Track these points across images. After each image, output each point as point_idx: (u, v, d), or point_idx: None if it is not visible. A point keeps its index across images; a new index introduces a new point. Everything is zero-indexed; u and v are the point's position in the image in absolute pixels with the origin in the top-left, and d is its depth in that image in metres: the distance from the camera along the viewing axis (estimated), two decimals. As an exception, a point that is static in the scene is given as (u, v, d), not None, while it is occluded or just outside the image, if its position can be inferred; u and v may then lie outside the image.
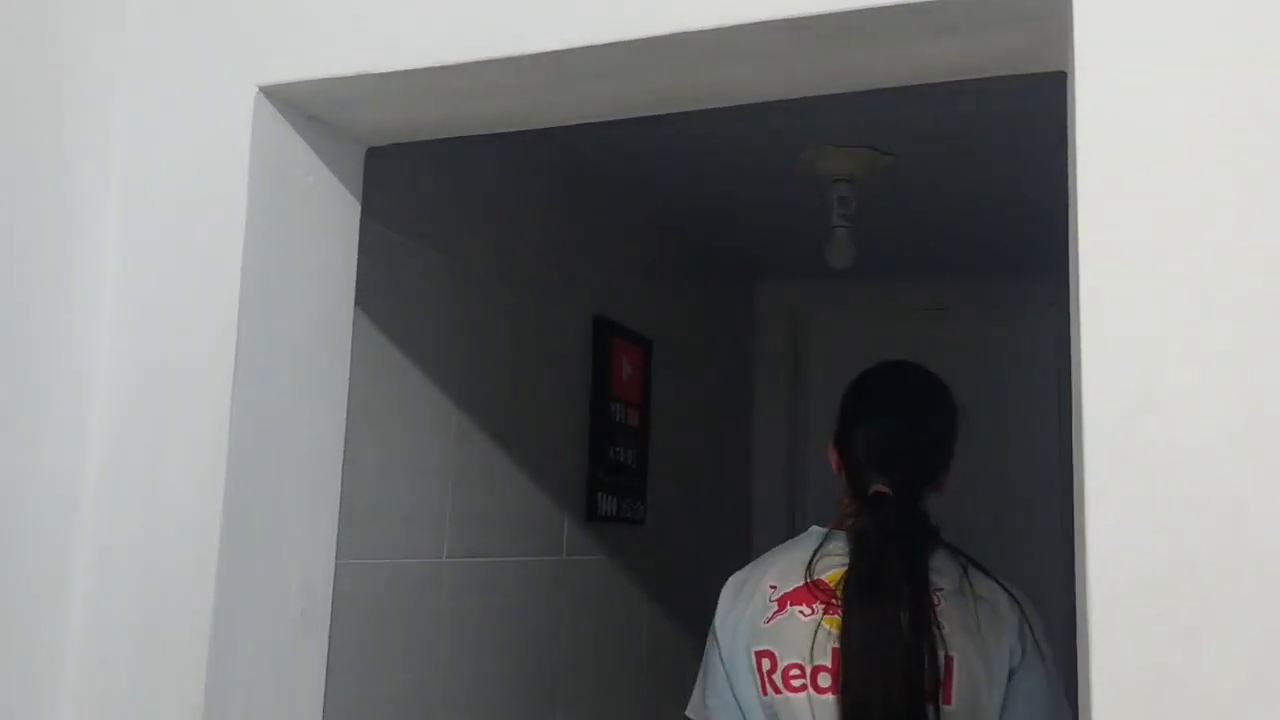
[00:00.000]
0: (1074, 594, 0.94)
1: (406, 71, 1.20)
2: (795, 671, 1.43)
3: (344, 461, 1.40)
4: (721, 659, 1.51)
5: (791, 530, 3.39)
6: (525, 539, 2.20)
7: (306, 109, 1.31)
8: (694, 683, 1.56)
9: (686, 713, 1.58)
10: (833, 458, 1.65)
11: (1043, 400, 3.14)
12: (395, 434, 1.80)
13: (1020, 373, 3.24)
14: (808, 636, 1.43)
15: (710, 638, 1.54)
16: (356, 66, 1.21)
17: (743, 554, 3.38)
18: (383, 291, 1.75)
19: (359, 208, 1.42)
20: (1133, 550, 0.88)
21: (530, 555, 2.22)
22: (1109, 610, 0.88)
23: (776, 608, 1.47)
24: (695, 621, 2.98)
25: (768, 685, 1.45)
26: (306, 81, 1.24)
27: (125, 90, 1.31)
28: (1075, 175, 0.97)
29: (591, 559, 2.46)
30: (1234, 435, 0.88)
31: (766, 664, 1.46)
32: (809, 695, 1.41)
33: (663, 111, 1.31)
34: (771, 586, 1.50)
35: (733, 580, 1.57)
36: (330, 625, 1.37)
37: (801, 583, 1.47)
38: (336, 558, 1.39)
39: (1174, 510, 0.88)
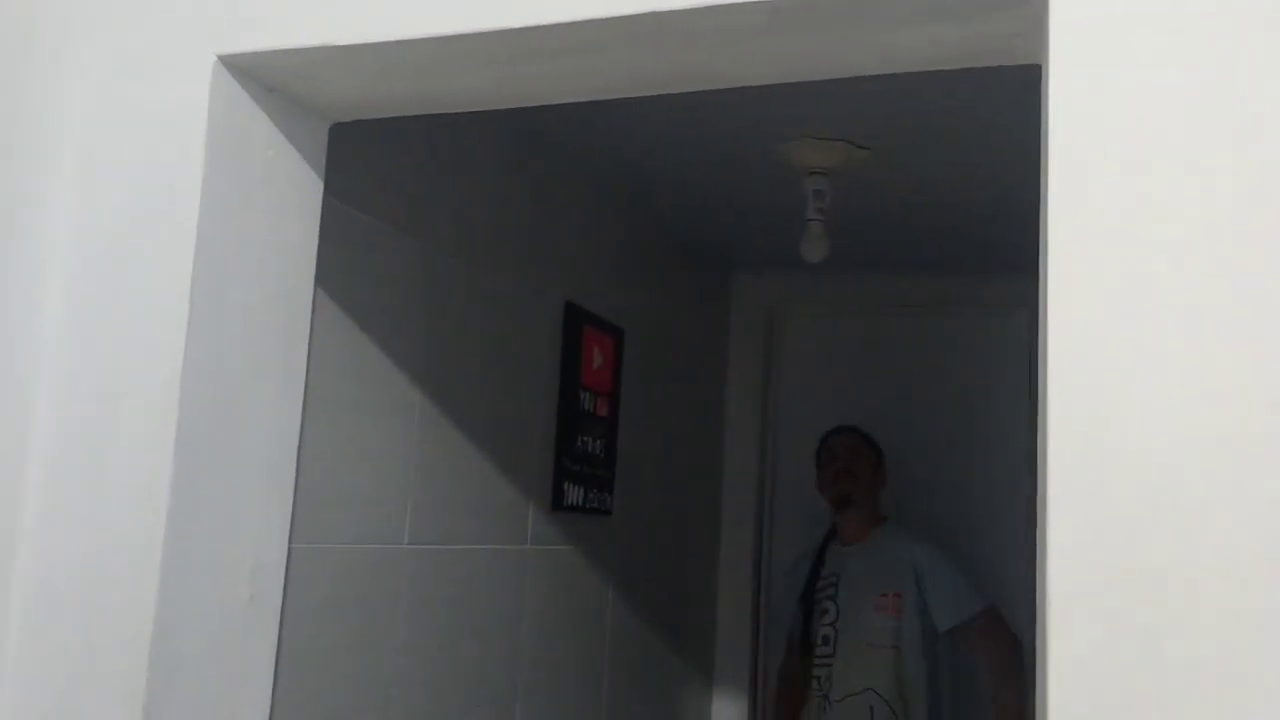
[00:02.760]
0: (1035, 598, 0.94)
1: (372, 44, 1.17)
2: None
3: (302, 444, 1.37)
4: None
5: (761, 523, 3.40)
6: (489, 527, 2.18)
7: (267, 80, 1.27)
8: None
9: None
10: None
11: (1013, 397, 3.15)
12: (357, 417, 1.77)
13: (991, 369, 3.25)
14: None
15: None
16: (320, 38, 1.18)
17: (711, 547, 3.38)
18: (346, 272, 1.72)
19: (321, 185, 1.39)
20: (1094, 550, 0.88)
21: (494, 544, 2.20)
22: (1067, 608, 0.87)
23: None
24: (659, 613, 2.98)
25: None
26: (267, 52, 1.21)
27: (78, 57, 1.27)
28: (1047, 172, 0.96)
29: (556, 549, 2.44)
30: (1199, 437, 0.87)
31: None
32: None
33: (636, 94, 1.29)
34: None
35: None
36: (284, 610, 1.35)
37: None
38: (292, 541, 1.36)
39: (1137, 511, 0.87)
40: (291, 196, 1.34)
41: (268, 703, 1.31)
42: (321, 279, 1.40)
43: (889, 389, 3.31)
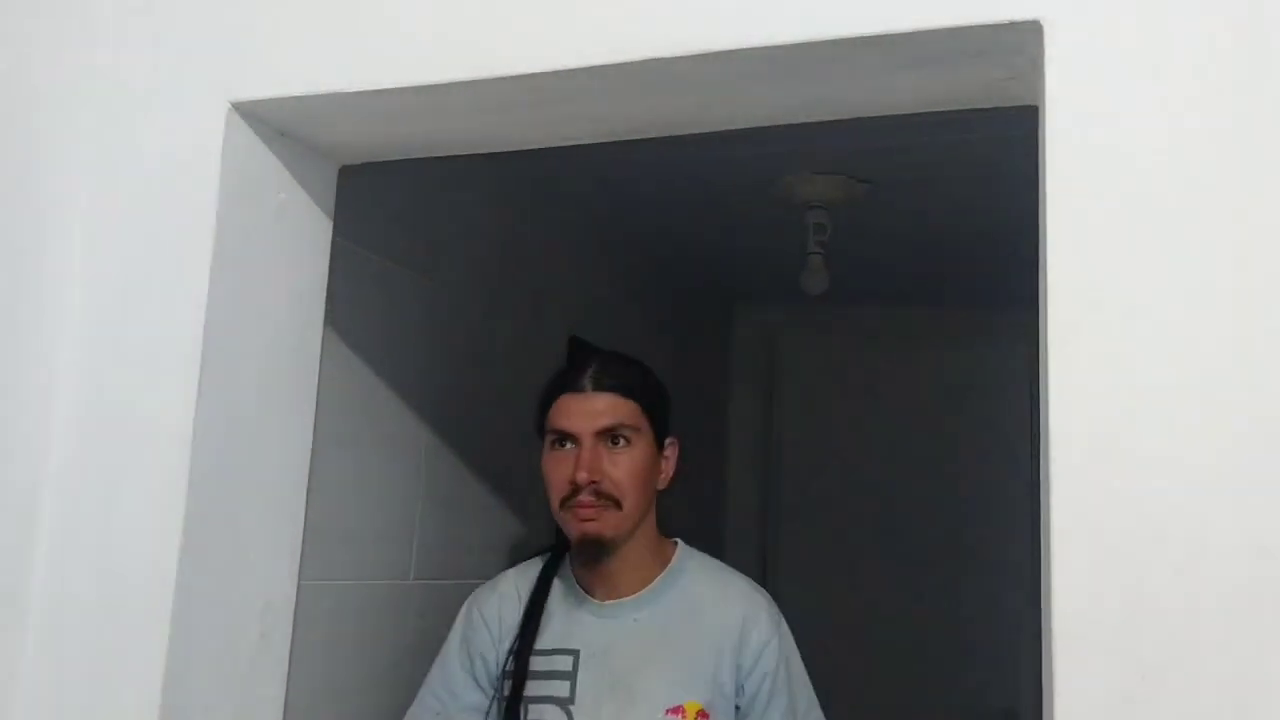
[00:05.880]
0: (1039, 625, 0.95)
1: (379, 91, 1.19)
2: None
3: (310, 481, 1.38)
4: None
5: (764, 554, 3.40)
6: (493, 561, 2.18)
7: (278, 125, 1.30)
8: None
9: None
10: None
11: (1013, 428, 3.16)
12: (364, 454, 1.79)
13: (991, 400, 3.26)
14: None
15: None
16: (329, 85, 1.21)
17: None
18: (353, 310, 1.74)
19: (330, 226, 1.41)
20: (1097, 587, 0.89)
21: (499, 577, 2.20)
22: (1073, 646, 0.88)
23: None
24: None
25: None
26: (278, 99, 1.23)
27: (94, 103, 1.29)
28: (1045, 212, 0.97)
29: (561, 582, 2.44)
30: (1199, 474, 0.88)
31: None
32: None
33: (637, 136, 1.31)
34: None
35: None
36: (292, 646, 1.35)
37: None
38: (300, 578, 1.37)
39: (1138, 548, 0.88)
40: (302, 237, 1.36)
41: (278, 740, 1.32)
42: (329, 317, 1.42)
43: (890, 420, 3.32)
